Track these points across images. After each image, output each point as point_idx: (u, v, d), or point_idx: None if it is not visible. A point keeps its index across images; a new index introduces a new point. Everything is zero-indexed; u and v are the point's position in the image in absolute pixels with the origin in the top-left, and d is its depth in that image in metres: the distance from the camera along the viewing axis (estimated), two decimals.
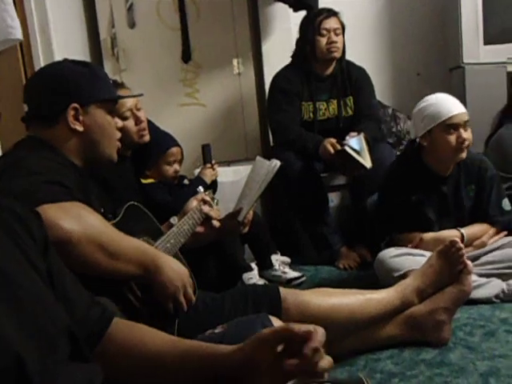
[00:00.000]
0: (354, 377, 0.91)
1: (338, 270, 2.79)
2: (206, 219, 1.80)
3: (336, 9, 2.97)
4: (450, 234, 2.26)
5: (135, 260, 1.26)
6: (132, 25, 3.35)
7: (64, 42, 2.93)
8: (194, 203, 1.79)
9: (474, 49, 3.24)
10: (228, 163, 3.15)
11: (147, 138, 2.16)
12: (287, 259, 2.82)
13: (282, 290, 1.67)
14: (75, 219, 1.18)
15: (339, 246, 2.87)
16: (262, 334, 0.83)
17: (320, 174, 2.93)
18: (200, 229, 1.78)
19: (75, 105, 1.38)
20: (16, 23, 2.32)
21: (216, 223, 1.82)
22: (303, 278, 2.66)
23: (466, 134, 2.23)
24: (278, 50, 3.26)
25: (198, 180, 2.44)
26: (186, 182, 2.47)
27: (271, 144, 3.29)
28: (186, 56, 3.36)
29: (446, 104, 2.26)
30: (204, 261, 2.07)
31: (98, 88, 1.42)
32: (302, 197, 2.85)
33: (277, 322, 1.31)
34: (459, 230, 2.32)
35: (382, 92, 3.38)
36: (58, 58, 2.76)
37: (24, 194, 1.14)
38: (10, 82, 2.64)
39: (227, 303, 1.60)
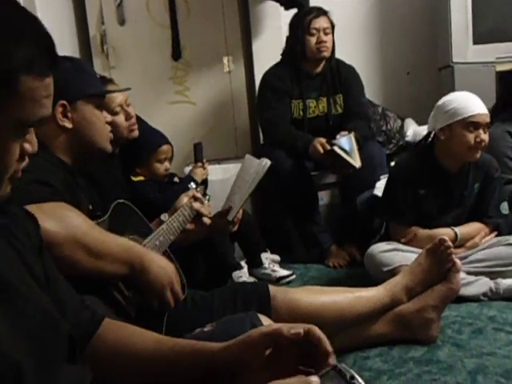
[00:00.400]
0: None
1: (327, 268, 2.79)
2: (197, 216, 1.79)
3: (326, 8, 2.97)
4: (444, 232, 2.27)
5: (121, 259, 1.26)
6: (122, 22, 3.34)
7: (53, 40, 2.91)
8: (184, 200, 1.78)
9: (464, 48, 3.26)
10: (218, 161, 3.14)
11: (136, 133, 2.15)
12: (277, 257, 2.82)
13: (271, 288, 1.67)
14: (58, 220, 1.17)
15: (329, 244, 2.87)
16: (250, 336, 0.83)
17: (310, 172, 2.93)
18: (190, 226, 1.77)
19: (63, 101, 1.37)
20: None
21: (207, 220, 1.81)
22: (293, 277, 2.66)
23: (485, 136, 2.24)
24: (269, 48, 3.26)
25: (189, 178, 2.44)
26: (176, 179, 2.47)
27: (261, 142, 3.29)
28: (176, 53, 3.35)
29: (472, 102, 2.27)
30: (194, 259, 2.07)
31: (85, 83, 1.42)
32: (292, 195, 2.85)
33: (266, 321, 1.31)
34: (453, 229, 2.33)
35: (371, 91, 3.39)
36: None
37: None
38: None
39: (216, 301, 1.60)
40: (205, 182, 2.49)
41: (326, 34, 2.90)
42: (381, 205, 2.51)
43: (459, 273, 1.89)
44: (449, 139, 2.29)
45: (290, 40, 3.00)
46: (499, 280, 2.20)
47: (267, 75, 3.01)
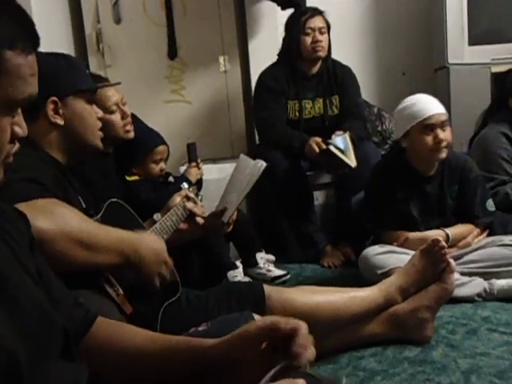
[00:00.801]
0: (334, 376, 0.91)
1: (322, 268, 2.80)
2: (190, 216, 1.79)
3: (322, 8, 2.98)
4: (435, 234, 2.28)
5: (115, 251, 1.26)
6: (118, 20, 3.33)
7: (48, 38, 2.88)
8: (177, 199, 1.78)
9: (459, 49, 3.27)
10: (213, 161, 3.14)
11: (132, 134, 2.15)
12: (272, 257, 2.82)
13: (266, 287, 1.67)
14: (49, 217, 1.16)
15: (324, 244, 2.88)
16: (247, 330, 0.83)
17: (305, 172, 2.93)
18: (183, 225, 1.77)
19: (54, 98, 1.36)
20: None
21: (200, 220, 1.81)
22: (288, 276, 2.66)
23: (444, 135, 2.25)
24: (265, 48, 3.26)
25: (183, 178, 2.43)
26: (171, 179, 2.46)
27: (257, 142, 3.29)
28: (172, 53, 3.35)
29: (424, 104, 2.28)
30: (189, 258, 2.07)
31: (75, 79, 1.41)
32: (287, 195, 2.85)
33: None
34: (444, 231, 2.34)
35: (367, 91, 3.39)
36: None
37: None
38: None
39: (211, 301, 1.60)
40: (199, 182, 2.49)
41: (321, 33, 2.90)
42: (363, 214, 2.52)
43: (453, 273, 1.89)
44: (411, 145, 2.31)
45: (285, 40, 3.00)
46: (493, 281, 2.21)
47: (263, 75, 3.01)
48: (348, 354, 1.82)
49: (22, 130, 0.79)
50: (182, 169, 2.80)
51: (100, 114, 1.52)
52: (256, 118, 3.07)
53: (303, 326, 0.80)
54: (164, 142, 2.38)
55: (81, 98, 1.42)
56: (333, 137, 2.72)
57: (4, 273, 0.74)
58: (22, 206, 1.10)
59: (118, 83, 1.84)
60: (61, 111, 1.37)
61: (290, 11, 3.10)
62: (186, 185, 2.04)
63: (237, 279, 2.48)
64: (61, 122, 1.38)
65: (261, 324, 0.83)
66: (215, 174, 2.91)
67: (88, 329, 0.93)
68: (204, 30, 3.32)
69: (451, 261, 1.88)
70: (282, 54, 3.02)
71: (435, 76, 3.52)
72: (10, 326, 0.71)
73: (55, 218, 1.18)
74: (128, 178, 2.30)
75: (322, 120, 3.03)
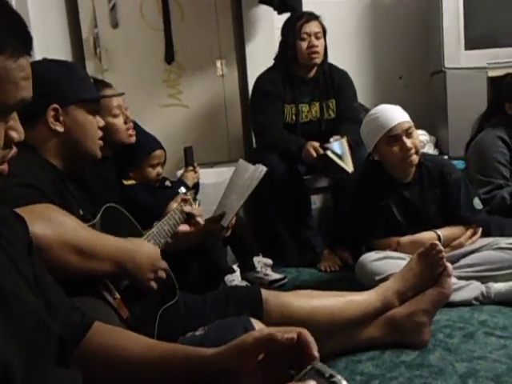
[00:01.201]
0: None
1: (319, 272, 2.80)
2: (189, 218, 1.79)
3: (319, 12, 2.99)
4: (427, 236, 2.28)
5: (112, 259, 1.25)
6: (115, 25, 3.34)
7: (45, 42, 2.90)
8: (174, 205, 1.79)
9: (455, 53, 3.28)
10: (211, 165, 3.14)
11: (134, 138, 2.15)
12: (269, 261, 2.82)
13: (263, 291, 1.67)
14: (46, 223, 1.16)
15: (321, 248, 2.88)
16: (244, 341, 0.82)
17: (303, 176, 2.94)
18: (185, 227, 1.77)
19: (55, 105, 1.36)
20: None
21: (200, 220, 1.81)
22: (285, 280, 2.66)
23: (410, 142, 2.25)
24: (262, 52, 3.27)
25: (180, 183, 2.43)
26: (167, 183, 2.46)
27: (254, 146, 3.29)
28: (169, 57, 3.35)
29: (385, 116, 2.28)
30: (186, 263, 2.06)
31: (79, 88, 1.41)
32: (285, 199, 2.85)
33: (258, 325, 1.31)
34: (436, 232, 2.34)
35: (364, 95, 3.40)
36: (38, 57, 2.72)
37: None
38: None
39: (209, 305, 1.59)
40: (196, 186, 2.48)
41: (317, 38, 2.91)
42: (350, 224, 2.53)
43: (451, 277, 1.89)
44: (382, 157, 2.32)
45: (281, 45, 3.01)
46: (490, 284, 2.21)
47: (260, 79, 3.01)
48: (345, 358, 1.82)
49: (18, 134, 0.78)
50: (179, 173, 2.80)
51: (101, 123, 1.52)
52: (253, 121, 3.07)
53: (308, 334, 0.80)
54: (161, 147, 2.38)
55: (83, 108, 1.42)
56: (331, 140, 2.72)
57: (1, 281, 0.74)
58: (19, 211, 1.10)
59: (122, 94, 1.84)
60: (61, 118, 1.37)
61: (287, 15, 3.11)
62: (183, 189, 2.04)
63: (234, 283, 2.48)
64: (61, 129, 1.38)
65: (258, 335, 0.82)
66: (212, 178, 2.91)
67: (85, 334, 0.92)
68: (201, 35, 3.32)
69: (448, 265, 1.88)
70: (278, 58, 3.03)
71: (431, 80, 3.53)
72: (5, 332, 0.70)
73: (53, 224, 1.17)
74: (125, 182, 2.30)
75: (318, 124, 3.03)
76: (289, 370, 0.80)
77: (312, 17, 2.94)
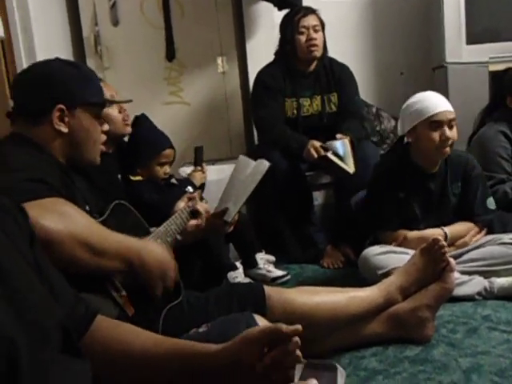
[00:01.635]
0: (328, 363, 0.92)
1: (322, 268, 2.80)
2: (197, 216, 1.80)
3: (320, 7, 2.98)
4: (434, 232, 2.28)
5: (120, 256, 1.26)
6: (115, 22, 3.33)
7: (46, 40, 2.91)
8: (181, 204, 1.79)
9: (457, 48, 3.27)
10: (212, 162, 3.14)
11: (129, 129, 2.15)
12: (272, 258, 2.82)
13: (266, 288, 1.67)
14: (58, 217, 1.16)
15: (324, 244, 2.88)
16: (249, 334, 0.83)
17: (305, 173, 2.93)
18: (194, 222, 1.78)
19: (61, 106, 1.36)
20: None
21: (207, 213, 1.83)
22: (288, 277, 2.66)
23: (450, 132, 2.25)
24: (263, 49, 3.26)
25: (187, 182, 2.43)
26: (173, 181, 2.46)
27: (256, 143, 3.29)
28: (170, 54, 3.35)
29: (432, 101, 2.28)
30: (189, 260, 2.06)
31: (87, 91, 1.41)
32: (287, 196, 2.85)
33: (261, 321, 1.31)
34: (443, 229, 2.34)
35: (365, 91, 3.39)
36: (40, 55, 2.74)
37: (5, 192, 1.13)
38: None
39: (211, 302, 1.60)
40: (202, 186, 2.49)
41: (315, 31, 2.91)
42: (363, 214, 2.52)
43: (453, 272, 1.89)
44: (416, 141, 2.31)
45: (281, 40, 3.01)
46: (493, 279, 2.21)
47: (260, 74, 3.01)
48: (349, 354, 1.82)
49: None
50: (181, 170, 2.79)
51: (106, 127, 1.53)
52: (255, 116, 3.07)
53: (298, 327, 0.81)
54: (171, 146, 2.38)
55: (89, 111, 1.42)
56: (337, 136, 2.72)
57: (5, 263, 0.74)
58: (29, 205, 1.10)
59: (130, 100, 1.84)
60: (66, 119, 1.37)
61: (288, 11, 3.10)
62: (190, 188, 2.05)
63: (237, 280, 2.48)
64: (64, 129, 1.38)
65: (263, 328, 0.83)
66: (214, 175, 2.91)
67: (88, 327, 0.92)
68: (202, 32, 3.32)
69: (451, 260, 1.88)
70: (278, 53, 3.03)
71: (433, 75, 3.52)
72: (11, 313, 0.70)
73: (64, 218, 1.18)
74: (132, 178, 2.31)
75: (320, 117, 3.02)
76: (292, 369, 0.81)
77: (309, 10, 2.94)
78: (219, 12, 3.33)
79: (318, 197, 3.06)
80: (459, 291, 2.13)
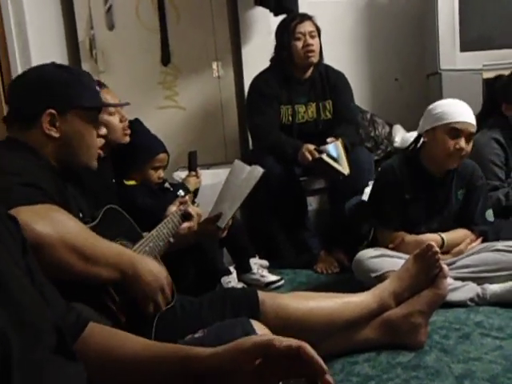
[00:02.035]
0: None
1: (316, 273, 2.80)
2: (188, 218, 1.79)
3: (315, 14, 2.99)
4: (431, 238, 2.29)
5: (112, 264, 1.25)
6: (111, 26, 3.33)
7: (41, 44, 2.90)
8: (173, 208, 1.79)
9: (451, 55, 3.29)
10: (207, 166, 3.14)
11: (128, 138, 2.15)
12: (266, 263, 2.82)
13: (260, 293, 1.67)
14: (49, 222, 1.16)
15: (318, 249, 2.88)
16: (242, 345, 0.82)
17: (299, 178, 2.94)
18: (187, 224, 1.78)
19: (51, 110, 1.35)
20: None
21: (199, 216, 1.82)
22: (281, 282, 2.66)
23: (465, 145, 2.26)
24: (258, 54, 3.27)
25: (181, 186, 2.43)
26: (167, 185, 2.46)
27: (250, 148, 3.29)
28: (166, 58, 3.35)
29: (459, 109, 2.29)
30: (183, 264, 2.06)
31: (80, 95, 1.39)
32: (281, 201, 2.85)
33: (258, 327, 1.31)
34: (440, 235, 2.35)
35: (360, 97, 3.41)
36: (34, 59, 2.74)
37: None
38: None
39: (205, 307, 1.60)
40: (195, 191, 2.49)
41: (312, 37, 2.92)
42: (367, 209, 2.53)
43: (446, 278, 1.90)
44: (431, 142, 2.32)
45: (277, 47, 3.01)
46: (486, 285, 2.22)
47: (256, 80, 3.02)
48: (342, 360, 1.83)
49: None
50: (176, 174, 2.79)
51: (103, 131, 1.51)
52: (250, 123, 3.07)
53: (308, 347, 0.80)
54: (165, 151, 2.38)
55: (82, 116, 1.40)
56: (328, 140, 2.73)
57: (1, 267, 0.74)
58: (21, 210, 1.10)
59: (127, 103, 1.84)
60: (57, 124, 1.36)
61: (283, 17, 3.11)
62: (182, 192, 2.04)
63: (231, 285, 2.48)
64: (55, 134, 1.37)
65: (257, 340, 0.82)
66: (209, 179, 2.91)
67: (80, 333, 0.92)
68: (197, 36, 3.32)
69: (444, 266, 1.89)
70: (274, 60, 3.04)
71: (427, 82, 3.54)
72: (5, 315, 0.70)
73: (56, 224, 1.17)
74: (125, 182, 2.30)
75: (315, 124, 3.03)
76: (288, 378, 0.81)
77: (305, 17, 2.96)
78: (215, 17, 3.33)
79: (312, 202, 3.06)
80: (452, 297, 2.14)
